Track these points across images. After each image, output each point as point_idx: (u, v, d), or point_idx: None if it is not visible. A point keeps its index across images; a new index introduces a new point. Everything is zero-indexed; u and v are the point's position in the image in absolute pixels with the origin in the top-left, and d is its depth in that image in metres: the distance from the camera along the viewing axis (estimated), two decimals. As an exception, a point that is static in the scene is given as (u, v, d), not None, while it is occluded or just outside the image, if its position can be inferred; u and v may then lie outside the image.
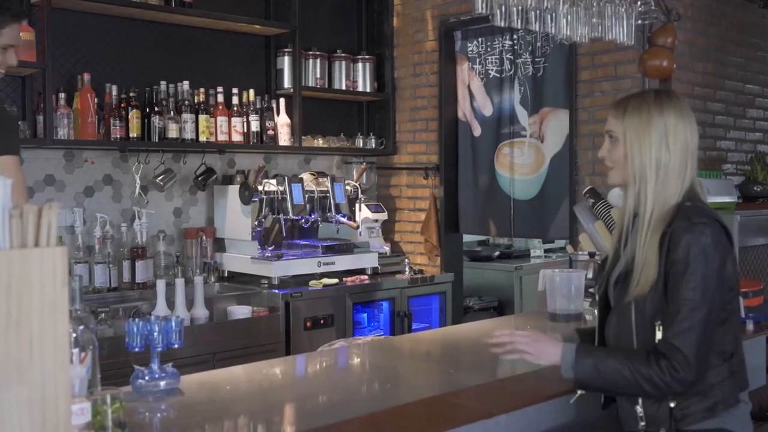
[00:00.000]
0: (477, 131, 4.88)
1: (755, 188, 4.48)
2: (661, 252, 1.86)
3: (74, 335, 1.70)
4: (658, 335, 1.86)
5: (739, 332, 1.98)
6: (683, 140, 1.93)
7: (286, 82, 4.60)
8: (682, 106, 1.97)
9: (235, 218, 4.25)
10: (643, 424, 1.88)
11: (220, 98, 4.18)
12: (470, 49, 4.89)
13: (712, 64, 4.56)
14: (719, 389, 1.88)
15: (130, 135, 3.88)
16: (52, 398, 1.14)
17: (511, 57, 4.67)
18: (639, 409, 1.89)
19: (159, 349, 2.01)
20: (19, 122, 3.60)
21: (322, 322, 3.99)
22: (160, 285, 3.53)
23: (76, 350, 1.63)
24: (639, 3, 3.43)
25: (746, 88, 4.89)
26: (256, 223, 4.22)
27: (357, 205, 4.75)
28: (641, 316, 1.89)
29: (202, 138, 4.07)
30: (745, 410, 1.95)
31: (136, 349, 2.01)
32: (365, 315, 4.45)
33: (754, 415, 3.85)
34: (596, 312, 2.10)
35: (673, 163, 1.92)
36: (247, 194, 4.14)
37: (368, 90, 5.05)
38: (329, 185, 4.43)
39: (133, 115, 3.88)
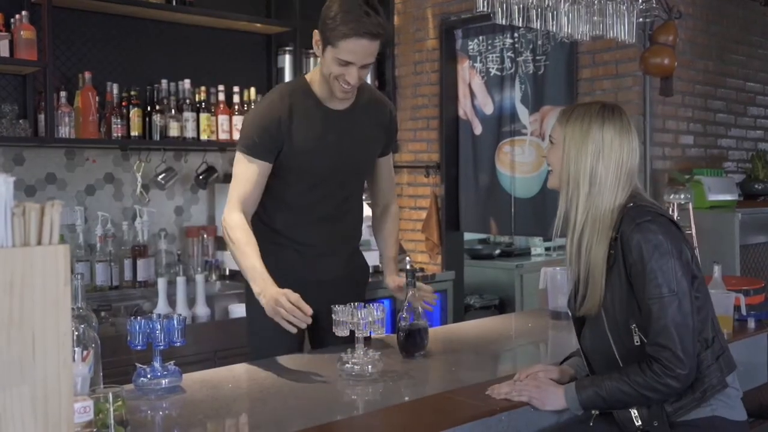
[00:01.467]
0: (478, 129, 4.88)
1: (756, 186, 4.48)
2: (615, 258, 1.89)
3: (76, 333, 1.70)
4: (636, 338, 1.87)
5: (714, 316, 1.99)
6: (617, 158, 1.96)
7: (287, 80, 4.60)
8: (623, 124, 1.98)
9: (237, 217, 4.24)
10: (639, 423, 1.88)
11: (221, 96, 4.18)
12: (471, 47, 4.89)
13: (713, 62, 4.56)
14: (706, 376, 1.89)
15: (132, 133, 3.88)
16: (54, 396, 1.15)
17: (512, 55, 4.66)
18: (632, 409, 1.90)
19: (161, 347, 2.01)
20: (20, 120, 3.61)
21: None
22: (162, 283, 3.54)
23: (78, 348, 1.64)
24: (640, 1, 3.43)
25: (747, 86, 4.89)
26: (257, 221, 4.21)
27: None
28: (613, 323, 1.91)
29: (204, 136, 4.07)
30: (736, 396, 1.96)
31: (138, 348, 2.01)
32: (366, 313, 4.44)
33: (755, 413, 3.86)
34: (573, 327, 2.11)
35: (605, 178, 1.95)
36: (248, 193, 4.14)
37: (369, 88, 5.04)
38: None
39: (134, 114, 3.88)
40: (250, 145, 2.40)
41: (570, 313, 2.11)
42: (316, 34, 2.34)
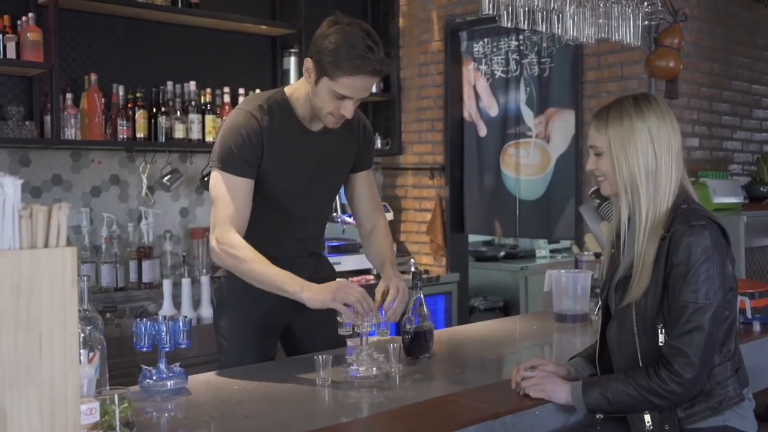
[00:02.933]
0: (483, 131, 4.88)
1: (761, 189, 4.47)
2: (659, 256, 1.87)
3: (83, 335, 1.70)
4: (660, 338, 1.86)
5: (737, 330, 1.99)
6: (667, 143, 1.93)
7: (292, 82, 4.61)
8: (662, 108, 1.96)
9: (241, 218, 4.25)
10: (650, 424, 1.88)
11: (227, 98, 4.19)
12: (476, 49, 4.89)
13: (718, 64, 4.56)
14: (724, 387, 1.89)
15: (137, 135, 3.89)
16: (61, 398, 1.15)
17: (517, 57, 4.66)
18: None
19: (167, 349, 2.02)
20: (27, 122, 3.62)
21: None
22: (167, 285, 3.54)
23: (84, 350, 1.64)
24: (645, 4, 3.43)
25: (753, 89, 4.88)
26: (262, 223, 4.21)
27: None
28: (642, 319, 1.90)
29: (209, 138, 4.07)
30: (749, 407, 1.96)
31: (144, 349, 2.02)
32: (371, 315, 4.45)
33: (761, 416, 3.85)
34: (599, 318, 2.11)
35: (660, 167, 1.92)
36: (253, 194, 4.14)
37: (374, 90, 5.04)
38: (335, 185, 4.42)
39: (140, 116, 3.89)
40: (231, 162, 2.25)
41: (600, 303, 2.11)
42: (308, 62, 2.20)
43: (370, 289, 2.30)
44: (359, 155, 2.51)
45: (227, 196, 2.24)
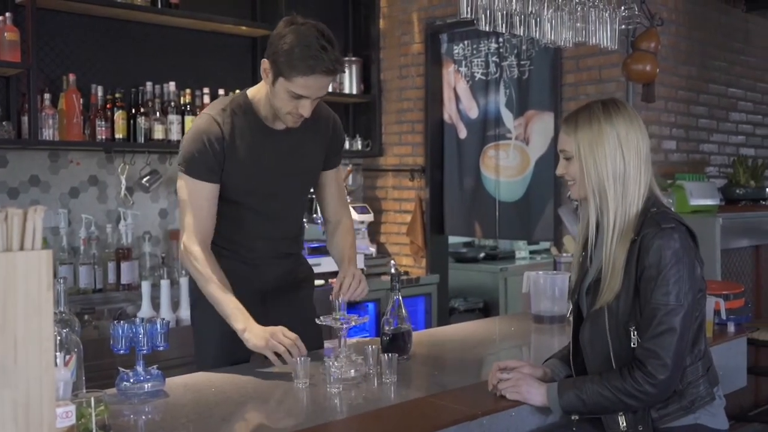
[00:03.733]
0: (463, 133, 4.90)
1: (738, 191, 4.52)
2: (630, 259, 1.90)
3: (59, 338, 1.70)
4: (633, 340, 1.89)
5: (705, 330, 2.02)
6: (636, 147, 1.96)
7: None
8: (630, 113, 1.99)
9: (221, 219, 4.24)
10: (624, 425, 1.90)
11: (207, 99, 4.18)
12: (456, 51, 4.91)
13: (695, 67, 4.61)
14: (695, 387, 1.92)
15: (116, 136, 3.87)
16: (36, 401, 1.15)
17: (497, 60, 4.69)
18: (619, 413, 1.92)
19: (144, 352, 2.01)
20: (4, 122, 3.59)
21: (307, 323, 3.98)
22: (146, 286, 3.53)
23: (60, 353, 1.64)
24: (623, 8, 3.47)
25: (729, 92, 4.94)
26: (241, 224, 4.20)
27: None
28: (614, 322, 1.92)
29: (188, 139, 4.06)
30: (720, 405, 1.99)
31: (121, 352, 2.01)
32: (351, 316, 4.45)
33: (735, 416, 3.90)
34: (570, 321, 2.13)
35: (628, 171, 1.95)
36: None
37: (354, 92, 5.06)
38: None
39: (119, 116, 3.88)
40: (193, 166, 2.30)
41: (571, 307, 2.13)
42: (265, 63, 2.23)
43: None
44: (329, 153, 2.52)
45: (191, 201, 2.31)
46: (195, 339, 2.52)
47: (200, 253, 2.29)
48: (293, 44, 2.15)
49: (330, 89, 4.86)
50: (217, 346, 2.42)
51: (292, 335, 2.20)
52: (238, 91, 4.21)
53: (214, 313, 2.33)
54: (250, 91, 2.40)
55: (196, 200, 2.30)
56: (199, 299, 2.42)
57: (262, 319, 2.30)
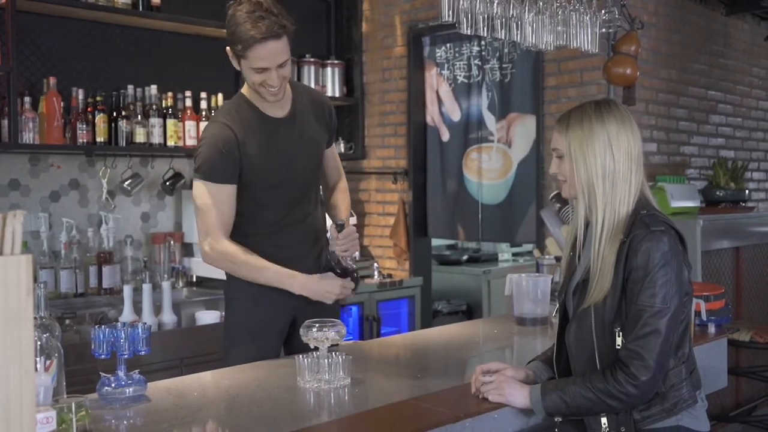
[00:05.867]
0: (445, 136, 4.92)
1: (718, 193, 4.56)
2: (619, 260, 1.91)
3: (39, 343, 1.69)
4: (618, 341, 1.90)
5: (691, 333, 2.03)
6: (626, 147, 1.97)
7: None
8: (622, 113, 2.00)
9: (204, 223, 4.23)
10: (606, 426, 1.91)
11: (189, 102, 4.17)
12: (438, 54, 4.92)
13: (675, 70, 4.65)
14: (678, 390, 1.93)
15: (97, 139, 3.85)
16: (16, 407, 1.14)
17: (479, 63, 4.71)
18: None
19: (125, 356, 2.00)
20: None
21: (291, 326, 3.98)
22: (127, 290, 3.51)
23: (40, 358, 1.63)
24: (603, 11, 3.49)
25: (709, 95, 4.99)
26: (224, 227, 4.19)
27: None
28: (600, 322, 1.93)
29: (170, 142, 4.05)
30: (702, 407, 2.00)
31: (103, 356, 2.00)
32: (334, 319, 4.44)
33: (716, 416, 3.93)
34: (556, 321, 2.14)
35: (618, 171, 1.96)
36: (216, 199, 4.12)
37: (337, 95, 5.06)
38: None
39: (100, 119, 3.85)
40: (212, 172, 2.42)
41: (558, 306, 2.14)
42: (228, 51, 2.39)
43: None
44: (329, 133, 2.70)
45: (214, 204, 2.43)
46: (226, 337, 2.61)
47: (230, 246, 2.43)
48: (236, 24, 2.31)
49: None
50: (249, 343, 2.52)
51: (336, 290, 2.45)
52: (220, 94, 4.25)
53: (248, 311, 2.49)
54: (243, 89, 2.54)
55: (219, 203, 2.43)
56: (234, 299, 2.55)
57: (297, 311, 2.52)
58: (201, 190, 2.44)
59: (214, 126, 2.47)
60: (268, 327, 2.55)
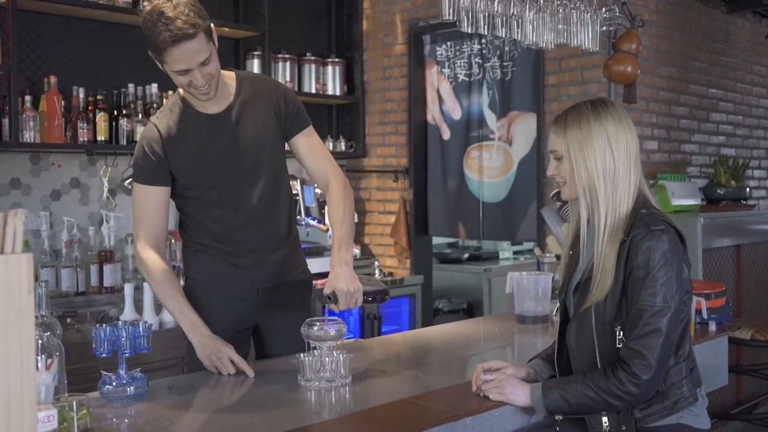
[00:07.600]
0: (446, 134, 4.92)
1: (719, 191, 4.56)
2: (619, 259, 1.91)
3: (40, 342, 1.69)
4: (618, 340, 1.90)
5: (690, 331, 2.04)
6: (625, 146, 1.97)
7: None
8: (619, 112, 2.00)
9: (204, 221, 4.22)
10: (607, 425, 1.91)
11: (189, 101, 4.16)
12: (439, 53, 4.92)
13: (676, 68, 4.64)
14: (679, 388, 1.93)
15: (98, 138, 3.85)
16: (17, 406, 1.14)
17: (480, 61, 4.71)
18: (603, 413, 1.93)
19: (126, 355, 2.00)
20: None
21: (291, 325, 3.97)
22: (129, 289, 3.51)
23: (42, 357, 1.63)
24: (604, 9, 3.49)
25: (710, 93, 4.98)
26: (225, 226, 4.19)
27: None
28: (601, 321, 1.93)
29: (171, 141, 4.04)
30: (702, 405, 2.00)
31: (104, 355, 2.00)
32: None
33: (717, 414, 3.93)
34: (557, 319, 2.14)
35: (618, 170, 1.96)
36: (216, 197, 4.12)
37: (338, 93, 5.06)
38: (299, 188, 4.42)
39: (101, 118, 3.85)
40: (138, 173, 2.38)
41: (558, 305, 2.13)
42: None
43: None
44: (284, 121, 2.45)
45: (140, 207, 2.38)
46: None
47: (151, 258, 2.34)
48: (147, 29, 2.20)
49: (313, 90, 4.90)
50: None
51: (237, 358, 2.22)
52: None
53: (207, 313, 2.36)
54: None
55: (144, 206, 2.36)
56: (193, 297, 2.41)
57: (259, 318, 2.39)
58: (134, 192, 2.41)
59: (146, 127, 2.42)
60: (228, 332, 2.40)
